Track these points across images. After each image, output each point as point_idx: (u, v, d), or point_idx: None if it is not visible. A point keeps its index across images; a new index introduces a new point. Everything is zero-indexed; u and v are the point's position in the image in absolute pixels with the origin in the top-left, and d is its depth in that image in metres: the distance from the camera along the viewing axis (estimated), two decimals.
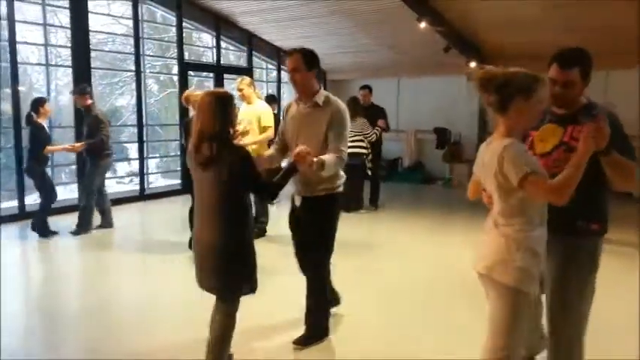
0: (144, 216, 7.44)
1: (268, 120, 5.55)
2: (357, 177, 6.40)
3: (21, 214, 6.73)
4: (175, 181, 9.59)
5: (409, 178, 10.09)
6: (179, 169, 9.61)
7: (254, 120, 5.53)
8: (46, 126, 5.81)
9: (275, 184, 2.69)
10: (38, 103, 5.78)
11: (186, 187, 8.21)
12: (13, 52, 6.63)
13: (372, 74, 10.21)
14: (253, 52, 9.83)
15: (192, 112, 5.49)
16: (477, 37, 8.62)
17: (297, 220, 3.19)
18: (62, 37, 10.87)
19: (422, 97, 10.25)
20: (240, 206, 2.59)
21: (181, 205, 8.02)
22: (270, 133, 5.49)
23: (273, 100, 8.32)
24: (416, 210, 7.71)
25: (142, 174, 8.23)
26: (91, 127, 5.92)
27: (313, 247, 3.12)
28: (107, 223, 6.26)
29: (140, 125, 8.13)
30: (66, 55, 7.65)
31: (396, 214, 7.24)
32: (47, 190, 5.88)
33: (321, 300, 3.19)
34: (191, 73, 9.18)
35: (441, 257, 5.17)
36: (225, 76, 9.35)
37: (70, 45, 7.32)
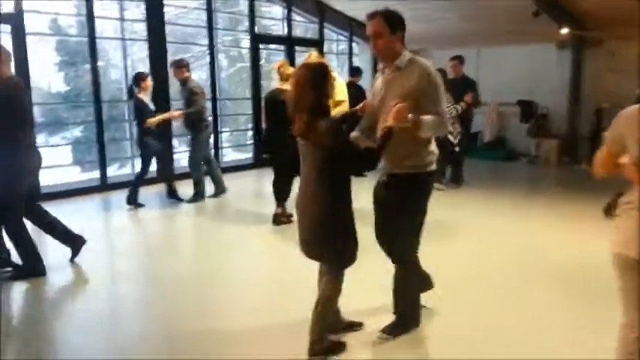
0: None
1: (341, 93, 5.28)
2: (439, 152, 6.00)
3: (103, 186, 6.93)
4: (246, 155, 9.60)
5: (490, 154, 9.41)
6: (249, 142, 9.63)
7: None
8: (146, 100, 5.92)
9: (369, 151, 2.52)
10: (139, 78, 5.88)
11: (260, 161, 8.24)
12: (92, 27, 6.73)
13: (449, 43, 9.60)
14: (324, 24, 9.50)
15: (274, 84, 5.32)
16: (569, 1, 7.82)
17: (379, 198, 2.86)
18: (135, 13, 11.02)
19: (504, 68, 9.51)
20: (336, 179, 2.51)
21: (255, 179, 8.06)
22: (345, 107, 5.25)
23: (357, 72, 8.07)
24: (499, 189, 7.15)
25: (216, 147, 8.24)
26: (187, 99, 5.99)
27: (397, 233, 2.80)
28: (220, 189, 6.49)
29: (214, 99, 8.12)
30: (140, 29, 7.70)
31: (478, 193, 6.76)
32: (146, 164, 6.00)
33: (409, 288, 2.90)
34: (261, 46, 9.02)
35: (528, 241, 4.72)
36: (297, 48, 9.14)
37: (144, 19, 7.34)
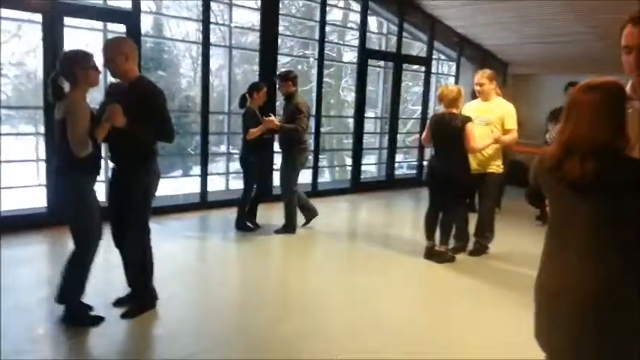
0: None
1: (513, 121, 4.65)
2: None
3: (203, 203, 6.43)
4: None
5: None
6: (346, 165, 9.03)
7: (495, 121, 4.64)
8: (258, 112, 5.33)
9: None
10: (255, 88, 5.37)
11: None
12: (207, 34, 6.28)
13: (571, 69, 8.70)
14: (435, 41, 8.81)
15: (439, 108, 4.74)
16: None
17: None
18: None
19: None
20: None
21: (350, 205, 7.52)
22: (514, 136, 4.62)
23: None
24: None
25: (315, 170, 7.66)
26: (289, 116, 5.30)
27: None
28: (313, 214, 5.78)
29: (318, 117, 7.56)
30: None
31: None
32: (249, 184, 5.45)
33: None
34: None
35: None
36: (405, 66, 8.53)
37: (258, 28, 6.88)
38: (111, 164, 3.40)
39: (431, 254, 4.72)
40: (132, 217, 3.25)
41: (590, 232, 1.72)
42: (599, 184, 1.67)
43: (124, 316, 3.29)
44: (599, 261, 1.71)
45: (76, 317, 3.15)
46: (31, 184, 5.71)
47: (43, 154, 5.38)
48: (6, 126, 14.69)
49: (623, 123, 1.73)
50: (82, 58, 3.02)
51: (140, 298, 3.39)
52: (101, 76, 3.30)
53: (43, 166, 5.34)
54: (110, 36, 5.98)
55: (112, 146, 3.31)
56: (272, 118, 5.28)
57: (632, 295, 1.68)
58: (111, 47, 3.15)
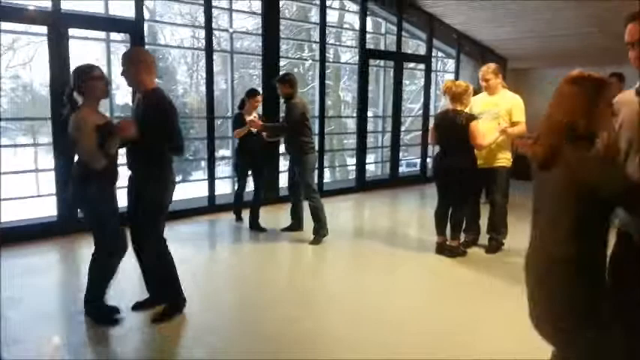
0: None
1: (521, 114, 4.67)
2: None
3: (210, 207, 6.44)
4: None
5: None
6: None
7: (502, 114, 4.67)
8: (247, 117, 5.47)
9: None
10: (248, 95, 5.52)
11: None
12: (209, 39, 6.32)
13: (570, 62, 8.75)
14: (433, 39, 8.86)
15: (444, 103, 4.78)
16: None
17: None
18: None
19: None
20: (594, 230, 1.82)
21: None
22: (523, 128, 4.63)
23: None
24: None
25: (320, 170, 7.69)
26: (285, 116, 5.29)
27: None
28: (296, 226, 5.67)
29: (322, 117, 7.58)
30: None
31: None
32: (259, 185, 5.65)
33: None
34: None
35: None
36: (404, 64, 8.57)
37: (259, 32, 6.92)
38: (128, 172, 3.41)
39: (442, 249, 4.76)
40: (146, 224, 3.27)
41: (552, 208, 1.89)
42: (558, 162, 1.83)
43: (155, 320, 3.29)
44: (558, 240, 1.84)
45: (98, 317, 3.26)
46: (32, 195, 5.82)
47: (42, 165, 5.42)
48: (4, 138, 14.69)
49: (591, 115, 1.83)
50: (86, 71, 3.07)
51: (170, 303, 3.40)
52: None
53: (42, 176, 5.42)
54: (113, 45, 6.04)
55: (128, 154, 3.32)
56: (253, 117, 5.43)
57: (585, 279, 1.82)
58: (124, 58, 3.17)
